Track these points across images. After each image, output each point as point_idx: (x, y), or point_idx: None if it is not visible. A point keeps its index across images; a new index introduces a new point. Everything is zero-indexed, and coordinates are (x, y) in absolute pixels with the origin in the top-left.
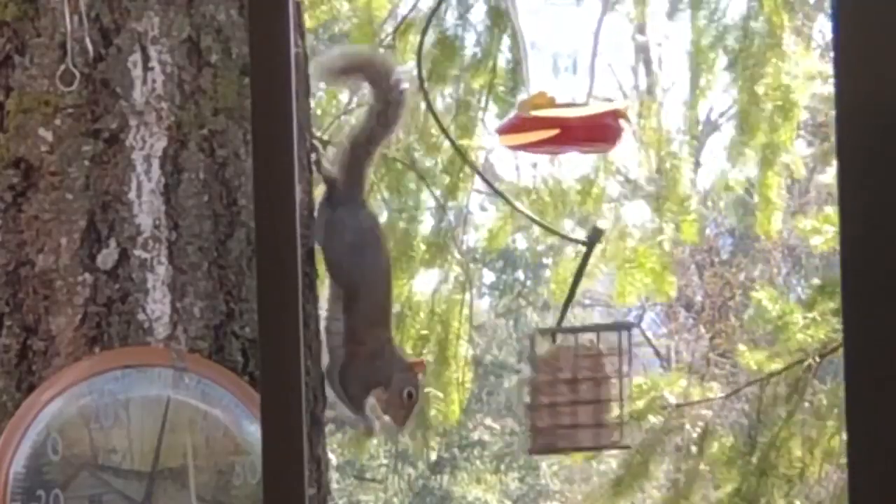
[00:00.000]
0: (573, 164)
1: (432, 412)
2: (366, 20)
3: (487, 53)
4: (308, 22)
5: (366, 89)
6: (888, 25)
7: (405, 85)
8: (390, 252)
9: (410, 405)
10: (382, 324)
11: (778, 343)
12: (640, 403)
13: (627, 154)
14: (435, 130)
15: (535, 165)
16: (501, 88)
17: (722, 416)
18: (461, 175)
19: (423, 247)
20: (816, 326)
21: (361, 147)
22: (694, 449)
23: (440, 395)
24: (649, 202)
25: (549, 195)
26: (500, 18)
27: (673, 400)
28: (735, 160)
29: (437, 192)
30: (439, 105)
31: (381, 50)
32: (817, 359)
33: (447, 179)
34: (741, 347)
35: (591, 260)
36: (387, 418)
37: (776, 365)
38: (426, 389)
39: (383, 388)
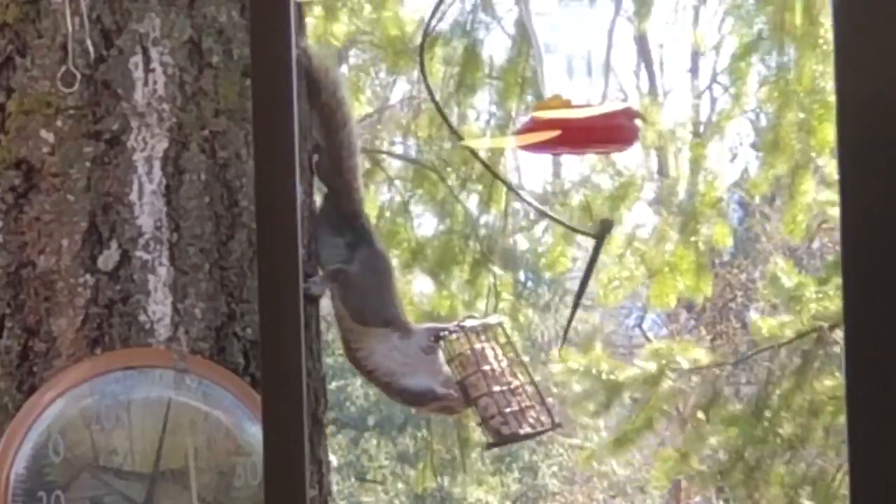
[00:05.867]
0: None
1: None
2: (395, 35)
3: (514, 62)
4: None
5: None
6: (888, 25)
7: (343, 90)
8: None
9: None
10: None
11: (792, 313)
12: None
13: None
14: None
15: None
16: (529, 97)
17: (730, 383)
18: (491, 184)
19: (463, 259)
20: (829, 300)
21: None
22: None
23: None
24: (680, 206)
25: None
26: (521, 26)
27: (686, 365)
28: (768, 161)
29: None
30: (466, 114)
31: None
32: (829, 330)
33: (480, 188)
34: (754, 315)
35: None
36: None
37: (788, 332)
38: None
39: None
